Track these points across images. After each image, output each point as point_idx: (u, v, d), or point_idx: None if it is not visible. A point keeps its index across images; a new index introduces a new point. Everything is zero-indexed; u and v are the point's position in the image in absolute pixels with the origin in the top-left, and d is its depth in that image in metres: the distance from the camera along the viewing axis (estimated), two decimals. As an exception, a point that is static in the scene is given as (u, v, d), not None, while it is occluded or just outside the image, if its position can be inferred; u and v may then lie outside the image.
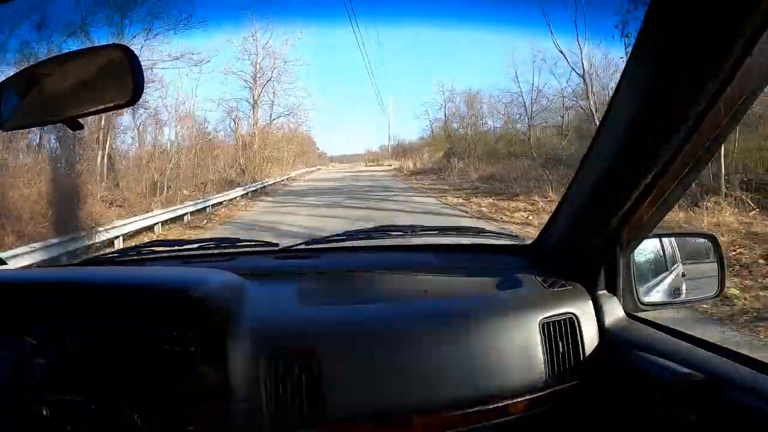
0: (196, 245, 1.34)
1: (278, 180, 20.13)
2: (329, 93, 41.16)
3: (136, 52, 0.66)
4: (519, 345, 0.88)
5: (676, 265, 1.21)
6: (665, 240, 1.20)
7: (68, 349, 0.78)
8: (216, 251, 1.29)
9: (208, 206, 11.32)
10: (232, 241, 1.35)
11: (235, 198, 13.48)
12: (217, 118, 25.05)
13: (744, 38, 0.54)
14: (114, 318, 0.80)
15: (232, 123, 24.45)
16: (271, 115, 26.94)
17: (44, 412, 0.74)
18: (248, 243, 1.35)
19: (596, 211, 0.90)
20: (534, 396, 0.87)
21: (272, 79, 24.28)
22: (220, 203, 12.28)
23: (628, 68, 0.70)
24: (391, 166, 32.71)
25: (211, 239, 1.38)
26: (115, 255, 1.30)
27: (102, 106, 0.67)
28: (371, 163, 42.35)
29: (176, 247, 1.32)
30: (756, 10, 0.52)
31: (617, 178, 0.81)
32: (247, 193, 14.53)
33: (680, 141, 0.68)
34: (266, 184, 17.30)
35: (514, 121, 23.02)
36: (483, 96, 26.37)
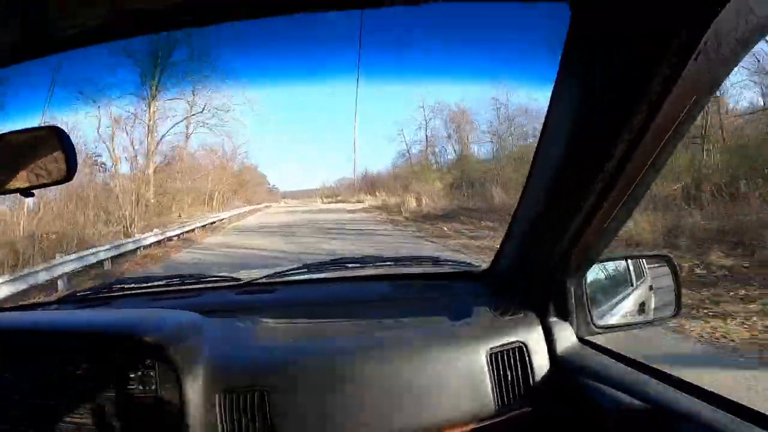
0: (163, 281, 1.39)
1: (180, 232, 11.18)
2: (278, 119, 32.47)
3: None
4: (466, 375, 0.89)
5: (637, 286, 1.20)
6: (624, 262, 1.20)
7: (37, 389, 0.86)
8: (182, 287, 1.35)
9: None
10: (197, 277, 1.40)
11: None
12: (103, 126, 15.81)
13: (677, 50, 0.52)
14: (79, 361, 0.86)
15: (125, 136, 15.53)
16: (188, 128, 17.98)
17: None
18: (212, 278, 1.38)
19: (541, 237, 0.90)
20: (483, 425, 0.88)
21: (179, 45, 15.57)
22: None
23: (558, 84, 0.69)
24: (363, 202, 24.16)
25: (176, 275, 1.43)
26: (88, 293, 1.34)
27: (42, 182, 0.71)
28: (329, 199, 33.59)
29: (144, 285, 1.37)
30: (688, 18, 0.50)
31: (558, 202, 0.81)
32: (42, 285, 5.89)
33: (618, 163, 0.67)
34: (140, 245, 9.47)
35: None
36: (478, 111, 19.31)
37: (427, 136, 25.65)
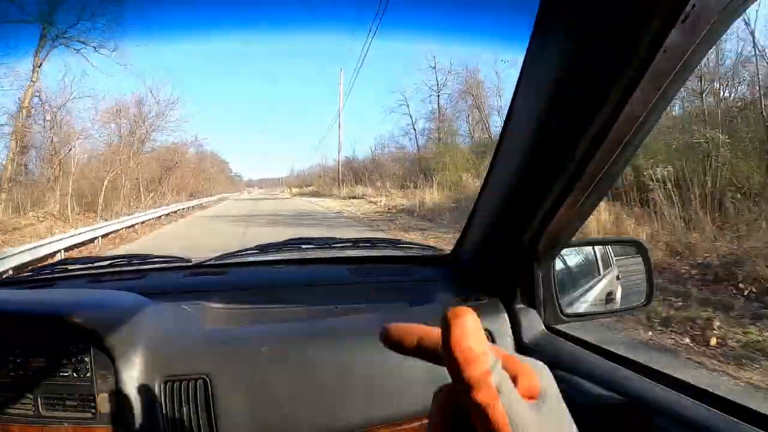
0: (107, 262, 1.34)
1: None
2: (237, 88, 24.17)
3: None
4: (427, 364, 0.68)
5: (607, 273, 1.18)
6: (597, 248, 1.18)
7: None
8: (127, 268, 1.30)
9: None
10: (144, 258, 1.35)
11: None
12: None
13: (654, 33, 0.50)
14: (11, 344, 0.82)
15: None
16: (38, 53, 10.02)
17: None
18: (160, 259, 1.34)
19: (508, 220, 0.88)
20: None
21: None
22: None
23: (525, 67, 0.68)
24: (362, 198, 16.13)
25: (122, 256, 1.37)
26: (30, 274, 1.30)
27: None
28: (298, 189, 26.57)
29: (88, 265, 1.33)
30: None
31: (526, 184, 0.79)
32: None
33: (590, 144, 0.65)
34: None
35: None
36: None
37: (439, 105, 18.40)
